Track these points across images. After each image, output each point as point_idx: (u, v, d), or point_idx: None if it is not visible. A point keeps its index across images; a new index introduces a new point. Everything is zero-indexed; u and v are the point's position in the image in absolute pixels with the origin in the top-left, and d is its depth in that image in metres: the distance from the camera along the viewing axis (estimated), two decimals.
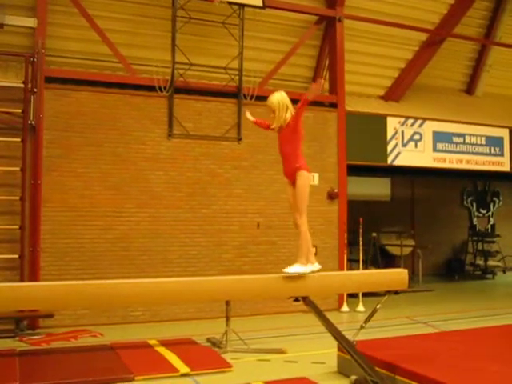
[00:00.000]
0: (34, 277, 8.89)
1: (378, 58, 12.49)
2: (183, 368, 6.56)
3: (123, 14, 10.15)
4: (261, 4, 10.48)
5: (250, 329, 8.77)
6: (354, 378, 6.00)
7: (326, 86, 11.84)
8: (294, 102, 5.40)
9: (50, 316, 8.66)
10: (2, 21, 8.98)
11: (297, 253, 5.31)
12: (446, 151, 12.75)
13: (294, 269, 5.13)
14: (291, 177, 5.43)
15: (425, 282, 14.84)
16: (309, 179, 5.46)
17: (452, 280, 16.27)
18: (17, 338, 8.31)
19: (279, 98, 5.41)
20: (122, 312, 9.44)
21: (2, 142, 8.90)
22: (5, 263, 8.84)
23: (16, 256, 8.83)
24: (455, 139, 12.88)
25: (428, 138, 12.55)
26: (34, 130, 9.10)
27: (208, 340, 8.15)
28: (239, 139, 10.55)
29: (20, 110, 8.96)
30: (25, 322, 8.80)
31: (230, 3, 10.28)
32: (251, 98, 10.53)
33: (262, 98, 10.68)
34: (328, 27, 11.67)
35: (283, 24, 11.39)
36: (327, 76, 11.80)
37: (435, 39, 12.81)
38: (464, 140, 12.98)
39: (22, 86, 8.99)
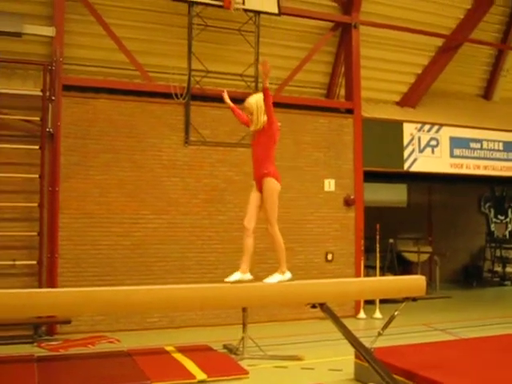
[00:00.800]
0: (52, 283, 8.95)
1: (394, 64, 12.45)
2: (200, 374, 6.55)
3: (140, 22, 10.22)
4: (276, 11, 10.50)
5: (266, 335, 8.75)
6: None
7: (342, 92, 11.84)
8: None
9: (67, 322, 8.70)
10: (21, 30, 9.07)
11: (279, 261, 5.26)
12: (463, 157, 12.67)
13: (275, 278, 5.10)
14: (259, 182, 5.25)
15: (442, 288, 14.73)
16: (277, 186, 5.23)
17: (470, 287, 16.11)
18: (35, 344, 8.37)
19: (257, 99, 5.30)
20: (139, 318, 9.47)
21: (21, 150, 8.99)
22: (23, 269, 8.91)
23: (34, 262, 8.91)
24: (472, 145, 12.80)
25: (445, 144, 12.48)
26: (52, 138, 9.18)
27: (224, 346, 8.15)
28: None
29: (38, 118, 9.05)
30: (43, 327, 8.86)
31: (246, 10, 10.32)
32: None
33: (278, 105, 10.77)
34: (344, 33, 11.67)
35: (299, 31, 11.40)
36: (343, 82, 11.79)
37: (451, 44, 12.76)
38: (481, 146, 12.89)
39: (41, 94, 9.09)
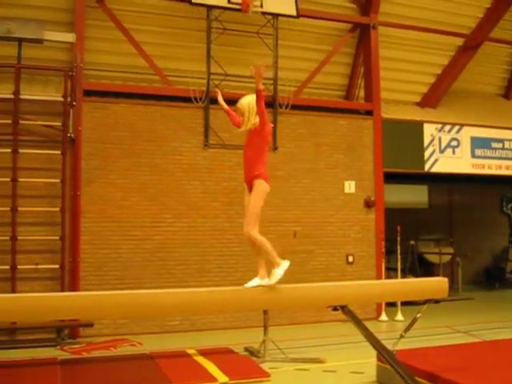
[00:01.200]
0: (74, 286, 9.03)
1: (414, 65, 12.38)
2: (222, 377, 6.56)
3: (159, 27, 10.29)
4: (295, 13, 10.51)
5: (287, 338, 8.74)
6: None
7: (362, 93, 11.80)
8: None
9: (89, 325, 8.77)
10: (42, 36, 9.18)
11: (258, 267, 5.11)
12: (484, 157, 12.55)
13: (276, 276, 4.99)
14: (249, 183, 5.18)
15: (464, 290, 14.57)
16: (266, 188, 5.15)
17: (492, 288, 15.92)
18: (58, 347, 8.45)
19: (250, 100, 5.21)
20: (160, 321, 9.52)
21: (42, 155, 9.09)
22: (46, 273, 9.01)
23: (57, 266, 8.99)
24: (494, 145, 12.67)
25: (466, 144, 12.38)
26: (74, 143, 9.28)
27: (246, 349, 8.15)
28: (275, 148, 10.56)
29: (60, 123, 9.14)
30: (66, 331, 8.95)
31: (264, 13, 10.34)
32: (286, 107, 10.55)
33: (298, 108, 10.80)
34: (362, 34, 11.63)
35: (317, 33, 11.38)
36: (362, 84, 11.76)
37: (471, 44, 12.65)
38: (503, 145, 12.76)
39: (62, 99, 9.18)
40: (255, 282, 4.99)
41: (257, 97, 5.01)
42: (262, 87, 4.98)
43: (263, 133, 5.17)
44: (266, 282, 4.99)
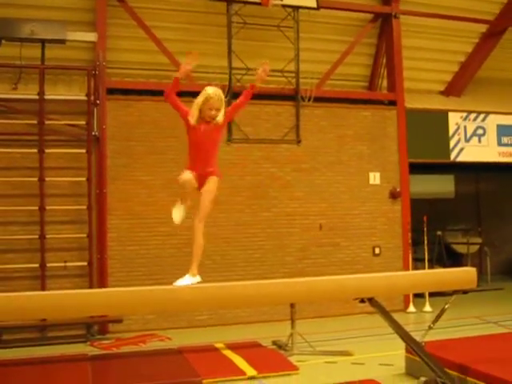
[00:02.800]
0: (102, 283, 9.14)
1: (437, 53, 12.23)
2: (250, 371, 6.59)
3: (179, 23, 10.31)
4: (315, 5, 10.45)
5: (315, 331, 8.73)
6: (423, 379, 5.87)
7: (385, 83, 11.70)
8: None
9: (119, 321, 8.87)
10: (64, 37, 9.26)
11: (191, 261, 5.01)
12: (511, 145, 12.37)
13: (185, 281, 4.87)
14: (203, 178, 5.05)
15: (493, 280, 14.39)
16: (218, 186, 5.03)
17: None
18: (88, 343, 8.57)
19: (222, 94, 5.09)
20: (189, 316, 9.58)
21: (68, 154, 9.20)
22: (74, 271, 9.12)
23: (85, 263, 9.10)
24: None
25: (492, 132, 12.21)
26: (98, 141, 9.36)
27: (274, 343, 8.17)
28: (298, 141, 10.54)
29: (84, 122, 9.23)
30: (95, 327, 9.06)
31: (284, 6, 10.31)
32: (309, 100, 10.52)
33: (320, 100, 10.75)
34: (384, 24, 11.53)
35: (338, 24, 11.30)
36: (385, 74, 11.65)
37: (495, 30, 12.43)
38: None
39: (85, 98, 9.27)
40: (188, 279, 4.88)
41: (249, 94, 5.01)
42: (259, 85, 4.97)
43: (224, 130, 5.12)
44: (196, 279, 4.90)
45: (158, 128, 9.83)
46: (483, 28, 12.38)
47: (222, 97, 5.11)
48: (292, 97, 10.58)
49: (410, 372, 6.35)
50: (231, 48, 10.11)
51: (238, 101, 5.17)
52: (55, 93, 9.31)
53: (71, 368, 6.93)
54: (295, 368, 6.76)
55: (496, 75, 13.43)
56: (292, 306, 7.92)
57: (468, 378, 5.44)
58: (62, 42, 9.32)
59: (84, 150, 9.19)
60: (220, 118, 5.01)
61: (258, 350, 7.76)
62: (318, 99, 10.65)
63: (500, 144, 12.28)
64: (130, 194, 9.59)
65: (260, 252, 10.17)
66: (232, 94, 10.06)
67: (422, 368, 5.61)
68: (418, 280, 5.76)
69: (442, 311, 5.74)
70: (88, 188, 9.20)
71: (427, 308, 10.71)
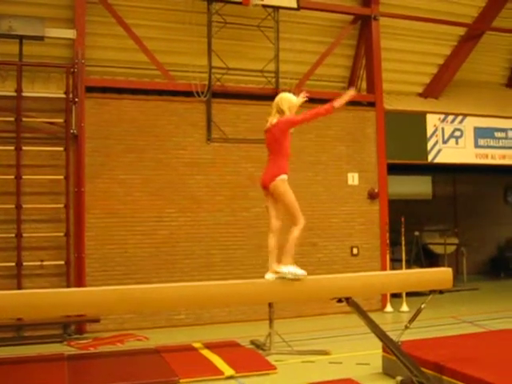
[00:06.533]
0: (80, 282, 9.07)
1: (416, 55, 12.34)
2: (228, 370, 6.59)
3: (159, 22, 10.27)
4: (295, 5, 10.48)
5: (293, 331, 8.75)
6: (399, 378, 5.94)
7: (364, 85, 11.76)
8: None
9: (96, 321, 8.81)
10: (43, 33, 9.17)
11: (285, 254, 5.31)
12: (488, 147, 12.53)
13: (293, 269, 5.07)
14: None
15: (469, 280, 14.57)
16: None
17: (497, 278, 15.91)
18: (65, 343, 8.49)
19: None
20: (167, 315, 9.55)
21: (46, 152, 9.11)
22: (52, 270, 9.04)
23: (62, 262, 9.03)
24: (497, 134, 12.64)
25: (469, 134, 12.35)
26: (76, 139, 9.29)
27: (252, 342, 8.18)
28: None
29: (62, 120, 9.16)
30: (72, 326, 8.99)
31: (265, 6, 10.32)
32: None
33: None
34: (363, 26, 11.60)
35: (318, 24, 11.35)
36: (364, 75, 11.72)
37: (474, 33, 12.59)
38: (506, 135, 12.72)
39: (64, 96, 9.20)
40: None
41: (322, 112, 5.34)
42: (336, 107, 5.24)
43: (277, 134, 5.70)
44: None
45: (136, 127, 9.78)
46: (461, 31, 12.53)
47: (276, 102, 5.46)
48: (272, 97, 10.45)
49: (387, 371, 6.40)
50: (211, 47, 10.09)
51: (307, 116, 5.40)
52: (33, 90, 9.23)
53: (48, 368, 6.87)
54: (273, 367, 6.77)
55: (474, 78, 13.60)
56: (270, 305, 7.94)
57: (443, 377, 5.49)
58: (41, 38, 9.23)
59: (62, 148, 9.12)
60: (269, 122, 5.51)
61: (235, 349, 7.76)
62: None
63: (477, 146, 12.42)
64: (108, 192, 9.53)
65: (240, 252, 10.17)
66: (212, 94, 10.06)
67: (398, 367, 5.66)
68: (394, 280, 5.82)
69: (419, 311, 5.81)
70: (66, 186, 9.14)
71: (404, 308, 10.80)
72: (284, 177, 5.42)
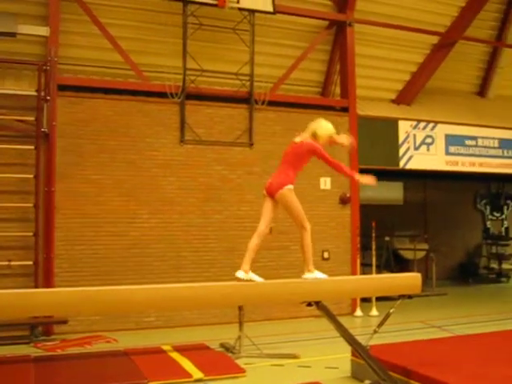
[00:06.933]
0: (48, 283, 8.95)
1: (389, 62, 12.46)
2: (197, 373, 6.56)
3: (134, 22, 10.21)
4: (271, 9, 10.50)
5: (263, 334, 8.77)
6: (367, 382, 5.98)
7: (338, 90, 11.84)
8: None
9: (64, 322, 8.69)
10: (15, 30, 9.06)
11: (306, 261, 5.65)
12: (458, 154, 12.70)
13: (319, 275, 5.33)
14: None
15: (438, 285, 14.74)
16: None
17: (466, 284, 16.14)
18: (31, 344, 8.37)
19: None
20: (136, 318, 9.47)
21: (15, 150, 8.98)
22: (19, 270, 8.90)
23: (30, 263, 8.90)
24: (468, 142, 12.83)
25: (440, 142, 12.52)
26: (47, 138, 9.17)
27: (221, 345, 8.16)
28: (251, 145, 10.57)
29: (33, 118, 9.04)
30: (39, 328, 8.86)
31: (241, 9, 10.32)
32: (262, 104, 10.57)
33: (274, 104, 10.81)
34: (338, 32, 11.68)
35: (294, 29, 11.39)
36: (338, 80, 11.80)
37: (446, 42, 12.76)
38: (476, 143, 12.92)
39: (35, 94, 9.08)
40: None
41: (345, 173, 6.12)
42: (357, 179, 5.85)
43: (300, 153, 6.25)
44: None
45: (109, 127, 9.70)
46: (435, 39, 12.69)
47: (315, 126, 6.27)
48: (246, 100, 10.60)
49: (356, 375, 6.44)
50: (186, 49, 10.06)
51: (330, 159, 6.11)
52: (3, 87, 9.10)
53: (13, 370, 6.75)
54: (242, 371, 6.76)
55: (446, 86, 13.79)
56: (240, 308, 7.93)
57: (411, 381, 5.55)
58: (13, 35, 9.12)
59: (32, 147, 9.00)
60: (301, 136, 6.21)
61: (205, 352, 7.74)
62: (271, 103, 10.72)
63: (447, 153, 12.59)
64: (78, 192, 9.43)
65: (211, 254, 10.14)
66: (185, 95, 10.03)
67: (366, 371, 5.70)
68: (364, 284, 5.87)
69: (387, 315, 5.86)
70: (36, 185, 9.01)
71: (374, 312, 10.88)
72: (291, 187, 5.99)
